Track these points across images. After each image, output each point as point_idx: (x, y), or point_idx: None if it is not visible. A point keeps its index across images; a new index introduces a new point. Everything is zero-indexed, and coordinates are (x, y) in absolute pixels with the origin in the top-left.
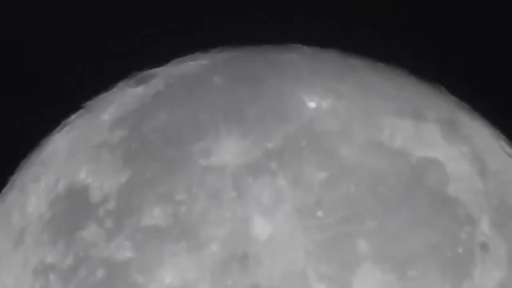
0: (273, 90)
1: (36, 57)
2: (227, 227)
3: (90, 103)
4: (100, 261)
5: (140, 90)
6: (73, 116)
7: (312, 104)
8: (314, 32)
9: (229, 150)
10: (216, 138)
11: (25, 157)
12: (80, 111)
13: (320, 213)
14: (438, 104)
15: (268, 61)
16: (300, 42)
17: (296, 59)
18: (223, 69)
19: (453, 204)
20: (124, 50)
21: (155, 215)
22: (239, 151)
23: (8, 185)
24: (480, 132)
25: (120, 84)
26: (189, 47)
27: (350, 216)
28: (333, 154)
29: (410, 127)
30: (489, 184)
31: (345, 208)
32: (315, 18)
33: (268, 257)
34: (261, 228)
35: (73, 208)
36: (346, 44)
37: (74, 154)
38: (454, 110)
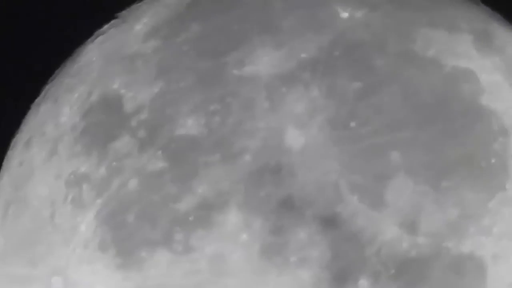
0: (307, 2)
1: None
2: (260, 138)
3: (123, 13)
4: (133, 171)
5: (173, 0)
6: (106, 26)
7: (345, 15)
8: None
9: (263, 61)
10: (250, 49)
11: (58, 67)
12: (114, 22)
13: (353, 124)
14: (472, 15)
15: None
16: None
17: None
18: None
19: (486, 115)
20: None
21: (188, 125)
22: (273, 61)
23: (42, 95)
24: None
25: None
26: None
27: (383, 127)
28: (366, 65)
29: (443, 38)
30: None
31: (378, 119)
32: None
33: (301, 168)
34: (294, 139)
35: (107, 119)
36: None
37: (108, 64)
38: (488, 21)
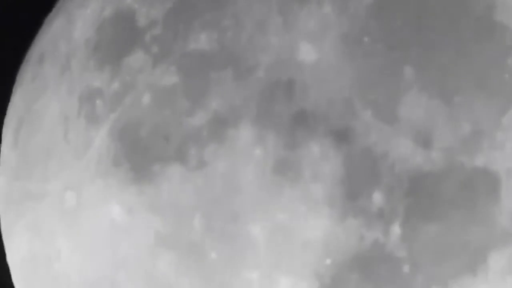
0: None
1: None
2: (273, 53)
3: None
4: (146, 86)
5: None
6: None
7: None
8: None
9: None
10: None
11: None
12: None
13: (366, 39)
14: None
15: None
16: None
17: None
18: None
19: (500, 30)
20: None
21: (201, 41)
22: None
23: (54, 11)
24: None
25: None
26: None
27: (396, 43)
28: None
29: None
30: None
31: (391, 35)
32: None
33: (314, 83)
34: (307, 54)
35: (120, 34)
36: None
37: None
38: None
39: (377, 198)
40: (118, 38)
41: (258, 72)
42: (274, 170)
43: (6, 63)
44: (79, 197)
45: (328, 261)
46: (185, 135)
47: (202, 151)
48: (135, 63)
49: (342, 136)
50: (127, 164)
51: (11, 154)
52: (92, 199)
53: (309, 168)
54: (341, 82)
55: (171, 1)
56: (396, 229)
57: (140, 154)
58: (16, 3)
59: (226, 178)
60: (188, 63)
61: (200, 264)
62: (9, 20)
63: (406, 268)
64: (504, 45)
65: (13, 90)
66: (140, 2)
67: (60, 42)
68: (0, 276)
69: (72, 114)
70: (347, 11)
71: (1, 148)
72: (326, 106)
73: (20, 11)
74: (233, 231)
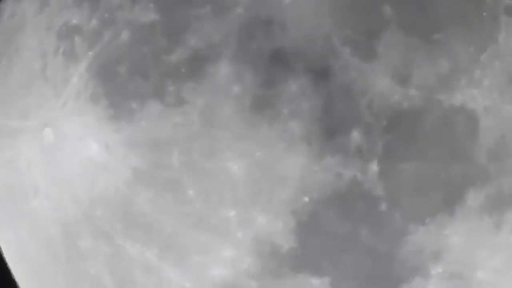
0: None
1: None
2: None
3: None
4: (125, 23)
5: None
6: None
7: None
8: None
9: None
10: None
11: None
12: None
13: None
14: None
15: None
16: None
17: None
18: None
19: None
20: None
21: None
22: None
23: None
24: None
25: None
26: None
27: None
28: None
29: None
30: None
31: None
32: None
33: (293, 21)
34: None
35: None
36: None
37: None
38: None
39: (355, 136)
40: None
41: (237, 9)
42: (253, 107)
43: None
44: (57, 133)
45: (306, 199)
46: (164, 73)
47: (181, 88)
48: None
49: (320, 74)
50: (105, 101)
51: None
52: (70, 136)
53: (287, 105)
54: (320, 20)
55: None
56: (373, 167)
57: (119, 91)
58: None
59: (204, 115)
60: (167, 0)
61: (178, 201)
62: None
63: (383, 206)
64: None
65: None
66: None
67: None
68: None
69: (51, 50)
70: None
71: None
72: (305, 44)
73: None
74: (211, 168)
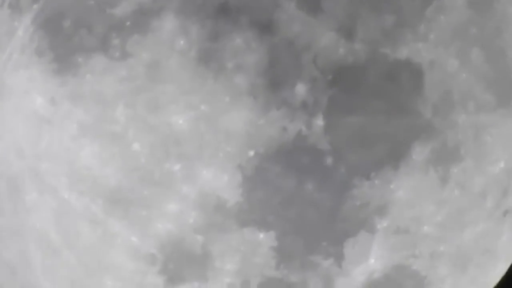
0: None
1: None
2: None
3: None
4: None
5: None
6: None
7: None
8: None
9: None
10: None
11: None
12: None
13: None
14: None
15: None
16: None
17: None
18: None
19: None
20: None
21: None
22: None
23: None
24: None
25: None
26: None
27: None
28: None
29: None
30: None
31: None
32: None
33: None
34: None
35: None
36: None
37: None
38: None
39: (300, 89)
40: None
41: None
42: (198, 61)
43: None
44: (1, 87)
45: (251, 153)
46: (109, 26)
47: (126, 42)
48: None
49: (265, 28)
50: (50, 54)
51: None
52: (15, 90)
53: (232, 59)
54: None
55: None
56: (319, 121)
57: (64, 45)
58: None
59: (149, 68)
60: None
61: (124, 154)
62: None
63: (329, 160)
64: None
65: None
66: None
67: None
68: None
69: None
70: None
71: None
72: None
73: None
74: (156, 122)
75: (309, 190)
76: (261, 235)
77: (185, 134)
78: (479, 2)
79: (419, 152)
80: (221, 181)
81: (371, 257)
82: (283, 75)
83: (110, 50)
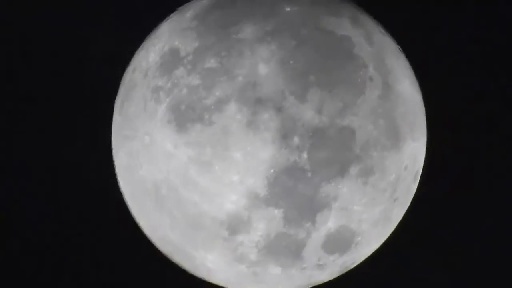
0: (264, 2)
1: None
2: (246, 68)
3: (180, 8)
4: (183, 85)
5: (205, 1)
6: (171, 15)
7: (288, 9)
8: None
9: (247, 31)
10: (241, 25)
11: (149, 33)
12: (175, 12)
13: (292, 62)
14: (347, 7)
15: None
16: None
17: None
18: None
19: (355, 57)
20: None
21: (211, 62)
22: (252, 31)
23: (140, 47)
24: (370, 22)
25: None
26: None
27: (305, 63)
28: (296, 33)
29: (334, 20)
30: (372, 47)
31: (302, 61)
32: None
33: (266, 83)
34: (262, 69)
35: (171, 59)
36: None
37: (172, 33)
38: (355, 10)
39: (296, 139)
40: (170, 61)
41: (239, 77)
42: (247, 126)
43: (119, 74)
44: (151, 139)
45: (272, 170)
46: (203, 108)
47: (211, 116)
48: (179, 74)
49: (279, 109)
50: (173, 123)
51: (117, 116)
52: (157, 140)
53: (263, 125)
54: (279, 82)
55: (197, 42)
56: (304, 155)
57: (180, 118)
58: (125, 44)
59: (222, 128)
60: (205, 74)
61: (206, 171)
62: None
63: (309, 174)
64: (357, 64)
65: (119, 86)
66: (181, 44)
67: (142, 62)
68: (113, 177)
69: (148, 97)
70: (283, 47)
71: (114, 114)
72: (272, 94)
73: (124, 48)
74: (225, 154)
75: (300, 187)
76: (276, 211)
77: (240, 161)
78: (384, 95)
79: (353, 170)
80: (257, 184)
81: (329, 221)
82: (288, 132)
83: (203, 120)
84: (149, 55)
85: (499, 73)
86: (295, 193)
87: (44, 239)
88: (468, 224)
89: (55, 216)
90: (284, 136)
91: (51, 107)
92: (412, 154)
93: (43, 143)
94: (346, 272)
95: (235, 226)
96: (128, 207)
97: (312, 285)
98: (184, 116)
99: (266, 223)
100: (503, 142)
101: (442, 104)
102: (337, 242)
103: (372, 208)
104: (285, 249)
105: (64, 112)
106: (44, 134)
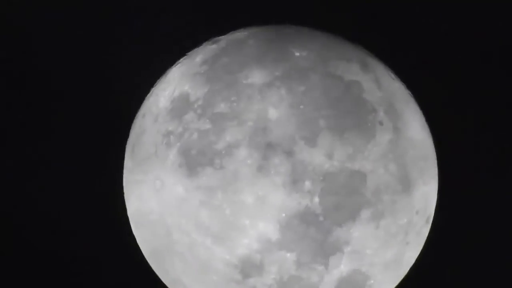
0: (274, 47)
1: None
2: (256, 113)
3: (190, 52)
4: (194, 130)
5: (214, 46)
6: (181, 59)
7: (297, 54)
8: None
9: (256, 76)
10: (250, 70)
11: (158, 78)
12: (185, 56)
13: (301, 107)
14: (356, 52)
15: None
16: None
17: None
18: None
19: (364, 102)
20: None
21: (221, 107)
22: (261, 76)
23: (150, 92)
24: (379, 67)
25: (204, 44)
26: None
27: (315, 108)
28: (306, 78)
29: (344, 64)
30: (382, 91)
31: (313, 104)
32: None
33: (276, 128)
34: (272, 114)
35: (181, 104)
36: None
37: (182, 77)
38: (364, 55)
39: (307, 184)
40: (181, 106)
41: (249, 122)
42: (257, 170)
43: (131, 118)
44: (162, 183)
45: (283, 214)
46: (213, 153)
47: (222, 161)
48: (189, 118)
49: (289, 154)
50: (185, 167)
51: (128, 161)
52: (168, 184)
53: (273, 169)
54: (289, 127)
55: (207, 87)
56: (316, 199)
57: (191, 163)
58: (133, 89)
59: (234, 173)
60: (215, 118)
61: (215, 214)
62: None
63: (321, 218)
64: (368, 109)
65: (130, 131)
66: (191, 89)
67: (152, 107)
68: (126, 222)
69: (159, 142)
70: (291, 92)
71: (125, 159)
72: (282, 139)
73: (133, 93)
74: (235, 199)
75: (312, 231)
76: (288, 255)
77: (251, 205)
78: (394, 139)
79: (364, 214)
80: (269, 228)
81: (341, 264)
82: (298, 177)
83: (214, 164)
84: (159, 100)
85: None
86: (307, 237)
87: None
88: (482, 269)
89: (71, 261)
90: (295, 180)
91: (65, 152)
92: (423, 198)
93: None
94: None
95: (247, 269)
96: (141, 251)
97: None
98: (195, 161)
99: (278, 267)
100: None
101: (454, 146)
102: (350, 286)
103: (384, 251)
104: None
105: (76, 157)
106: (60, 184)
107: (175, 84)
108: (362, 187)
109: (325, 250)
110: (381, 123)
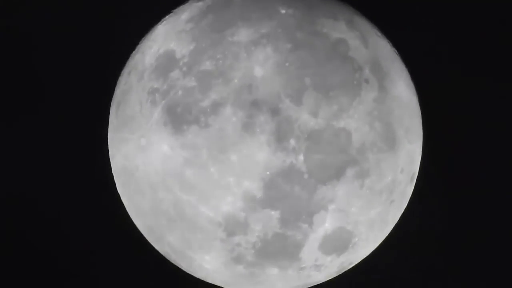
0: (260, 4)
1: None
2: (242, 71)
3: (175, 10)
4: (180, 87)
5: (200, 4)
6: (167, 16)
7: (283, 11)
8: None
9: (242, 34)
10: (236, 28)
11: (144, 36)
12: (170, 14)
13: (287, 64)
14: (343, 10)
15: None
16: None
17: None
18: None
19: (350, 60)
20: None
21: (207, 65)
22: (247, 34)
23: (136, 50)
24: (366, 25)
25: (190, 1)
26: None
27: (301, 65)
28: (293, 37)
29: (331, 23)
30: (368, 50)
31: (299, 62)
32: None
33: (262, 85)
34: (258, 72)
35: (167, 62)
36: None
37: (167, 35)
38: (350, 13)
39: (292, 142)
40: (166, 64)
41: (235, 80)
42: (242, 128)
43: (116, 74)
44: (147, 141)
45: (268, 172)
46: (199, 111)
47: (207, 119)
48: (174, 76)
49: (274, 112)
50: (170, 125)
51: (113, 119)
52: (153, 142)
53: (259, 127)
54: (274, 85)
55: (192, 45)
56: (301, 157)
57: (176, 120)
58: (120, 46)
59: (219, 131)
60: (201, 76)
61: (202, 174)
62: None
63: (306, 176)
64: (352, 67)
65: (115, 88)
66: (177, 46)
67: (138, 64)
68: (111, 179)
69: (144, 100)
70: (278, 50)
71: (110, 116)
72: (267, 96)
73: (118, 50)
74: (222, 158)
75: (297, 190)
76: (272, 213)
77: (236, 163)
78: (380, 97)
79: (349, 172)
80: (254, 186)
81: (326, 222)
82: (283, 135)
83: (199, 122)
84: (144, 58)
85: (498, 73)
86: (292, 195)
87: (43, 239)
88: (465, 224)
89: (51, 216)
90: (280, 138)
91: (49, 108)
92: (409, 156)
93: (40, 144)
94: (343, 273)
95: (232, 227)
96: (126, 209)
97: (309, 286)
98: (180, 119)
99: (262, 225)
100: (502, 142)
101: (439, 106)
102: (334, 243)
103: (369, 209)
104: (282, 250)
105: (60, 114)
106: (43, 136)
107: (161, 42)
108: (347, 145)
109: (310, 208)
110: (366, 81)
